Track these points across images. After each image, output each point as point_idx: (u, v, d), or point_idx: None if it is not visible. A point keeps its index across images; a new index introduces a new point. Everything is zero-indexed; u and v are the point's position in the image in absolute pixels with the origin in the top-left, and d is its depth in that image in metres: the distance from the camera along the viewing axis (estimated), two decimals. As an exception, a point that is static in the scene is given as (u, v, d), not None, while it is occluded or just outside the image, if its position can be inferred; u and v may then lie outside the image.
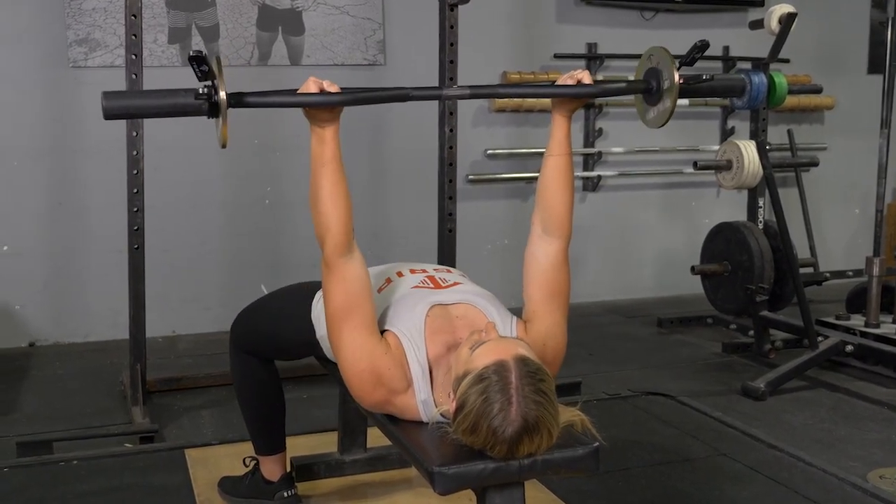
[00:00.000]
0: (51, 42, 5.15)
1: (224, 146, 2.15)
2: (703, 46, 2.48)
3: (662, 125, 2.55)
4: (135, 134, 3.96)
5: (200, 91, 2.07)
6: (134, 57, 3.90)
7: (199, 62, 2.04)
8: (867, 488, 3.23)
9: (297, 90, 2.21)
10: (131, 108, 2.23)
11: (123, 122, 4.00)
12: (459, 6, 4.23)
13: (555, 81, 2.51)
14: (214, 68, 2.08)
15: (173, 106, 2.11)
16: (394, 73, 5.72)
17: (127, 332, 4.24)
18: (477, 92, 2.47)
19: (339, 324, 2.23)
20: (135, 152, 3.96)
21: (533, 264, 2.43)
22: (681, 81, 2.45)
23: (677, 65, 2.46)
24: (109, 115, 2.13)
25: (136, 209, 3.99)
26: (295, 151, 5.55)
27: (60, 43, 5.15)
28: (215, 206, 5.53)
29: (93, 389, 4.50)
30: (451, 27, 4.22)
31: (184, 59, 5.31)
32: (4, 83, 5.12)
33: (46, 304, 5.33)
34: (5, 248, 5.20)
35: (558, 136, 2.44)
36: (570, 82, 2.43)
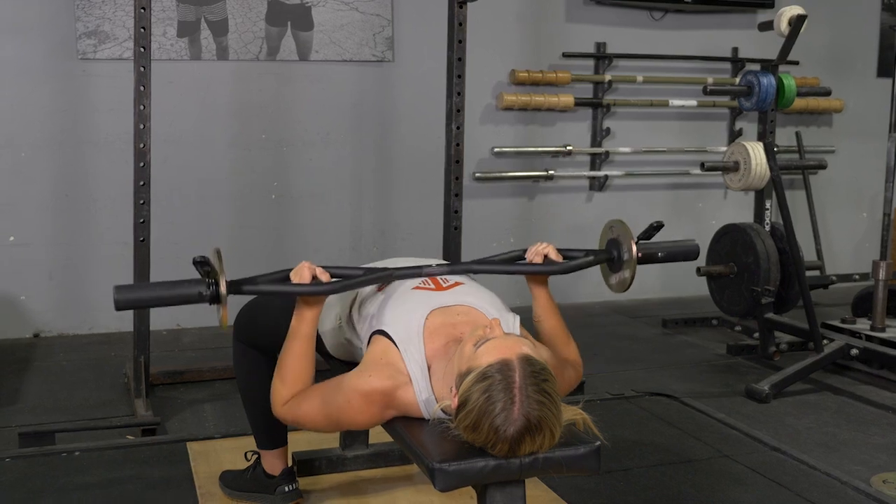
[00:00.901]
0: (60, 34, 5.16)
1: (224, 328, 2.44)
2: (658, 226, 2.70)
3: (624, 291, 2.71)
4: (142, 126, 3.96)
5: (204, 291, 2.30)
6: (142, 50, 3.90)
7: (202, 265, 2.29)
8: (870, 492, 3.22)
9: (290, 272, 2.40)
10: (140, 300, 2.47)
11: (131, 115, 4.01)
12: (468, 3, 4.22)
13: (525, 251, 2.64)
14: (216, 265, 2.30)
15: (179, 297, 2.34)
16: (402, 69, 5.73)
17: (131, 324, 4.25)
18: (454, 269, 2.57)
19: (330, 419, 2.34)
20: (142, 145, 3.97)
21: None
22: (639, 255, 2.61)
23: (635, 238, 2.63)
24: (120, 307, 2.32)
25: (142, 201, 3.99)
26: (301, 146, 5.55)
27: (69, 35, 5.16)
28: (222, 200, 5.54)
29: (96, 381, 4.51)
30: (460, 24, 4.21)
31: (193, 52, 5.32)
32: (13, 74, 5.13)
33: (51, 295, 5.33)
34: (11, 238, 5.21)
35: (542, 302, 2.57)
36: (537, 259, 2.57)
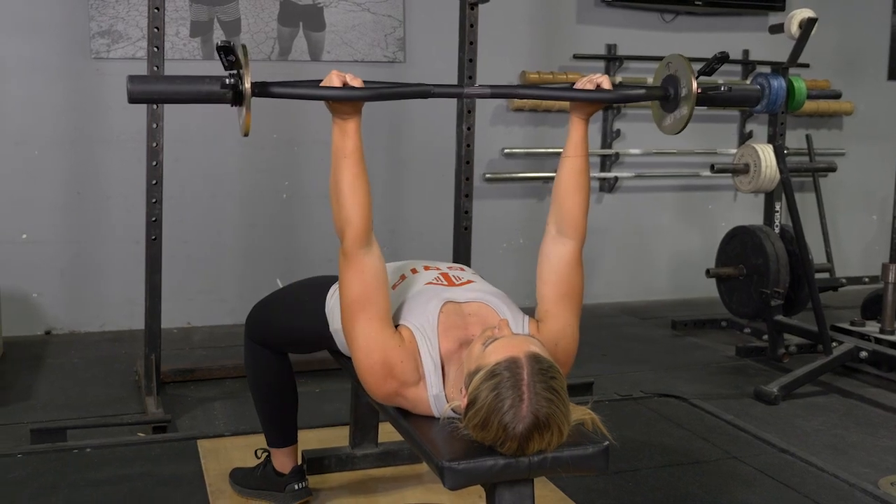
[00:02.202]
0: (74, 33, 5.19)
1: (246, 134, 2.16)
2: (722, 58, 2.49)
3: (678, 132, 2.56)
4: (155, 125, 3.98)
5: (227, 80, 2.09)
6: (156, 49, 3.92)
7: (226, 52, 2.06)
8: (878, 495, 3.22)
9: (320, 81, 2.22)
10: (156, 93, 2.24)
11: (144, 113, 4.03)
12: (480, 5, 4.24)
13: (574, 84, 2.52)
14: (241, 58, 2.09)
15: (198, 92, 2.13)
16: (413, 70, 5.74)
17: (142, 322, 4.27)
18: (497, 91, 2.49)
19: (354, 315, 2.24)
20: (154, 144, 3.98)
21: (546, 264, 2.44)
22: (698, 90, 2.46)
23: (696, 73, 2.47)
24: (134, 98, 2.13)
25: (154, 200, 4.01)
26: (313, 146, 5.57)
27: (83, 34, 5.19)
28: (233, 199, 5.56)
29: (107, 378, 4.53)
30: (472, 26, 4.23)
31: (205, 52, 5.34)
32: (27, 73, 5.16)
33: (63, 292, 5.36)
34: (24, 236, 5.24)
35: (575, 138, 2.46)
36: (589, 86, 2.44)
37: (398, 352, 2.22)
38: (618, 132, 6.23)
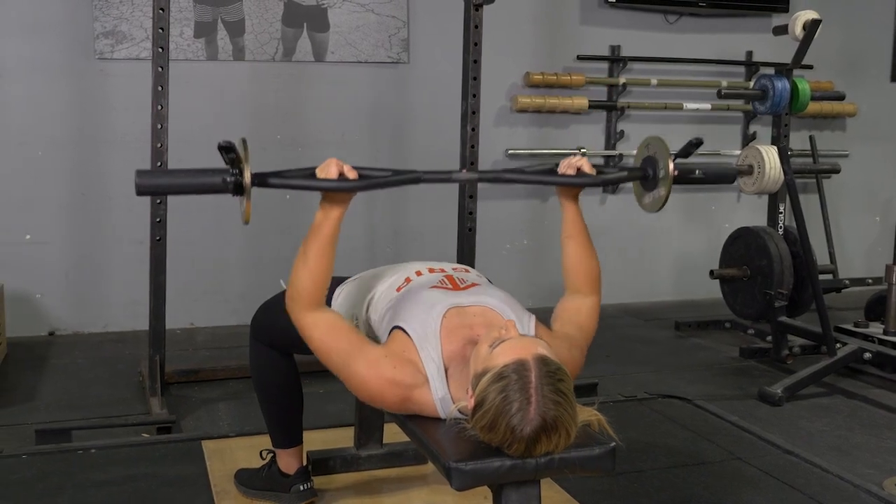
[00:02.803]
0: (78, 34, 5.20)
1: (247, 223, 2.29)
2: (697, 143, 2.61)
3: (657, 211, 2.67)
4: (159, 126, 3.99)
5: (228, 178, 2.21)
6: (161, 50, 3.92)
7: (227, 151, 2.17)
8: (883, 496, 3.22)
9: (316, 168, 2.33)
10: (162, 186, 2.43)
11: (148, 114, 4.04)
12: (484, 6, 4.24)
13: (557, 164, 2.61)
14: (241, 154, 2.19)
15: (201, 185, 2.26)
16: (417, 71, 5.75)
17: (146, 322, 4.27)
18: (484, 176, 2.60)
19: (330, 359, 2.31)
20: (159, 144, 3.99)
21: (563, 311, 2.53)
22: (675, 172, 2.56)
23: (672, 156, 2.57)
24: (141, 192, 2.26)
25: (158, 201, 4.02)
26: (317, 147, 5.57)
27: (87, 34, 5.19)
28: (237, 200, 5.54)
29: (111, 379, 4.54)
30: (476, 27, 4.23)
31: (209, 53, 5.35)
32: (31, 73, 5.17)
33: (67, 293, 5.37)
34: (28, 237, 5.25)
35: (570, 217, 2.57)
36: (570, 171, 2.54)
37: (387, 361, 2.25)
38: (621, 133, 6.23)
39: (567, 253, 2.56)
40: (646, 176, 2.63)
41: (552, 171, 2.62)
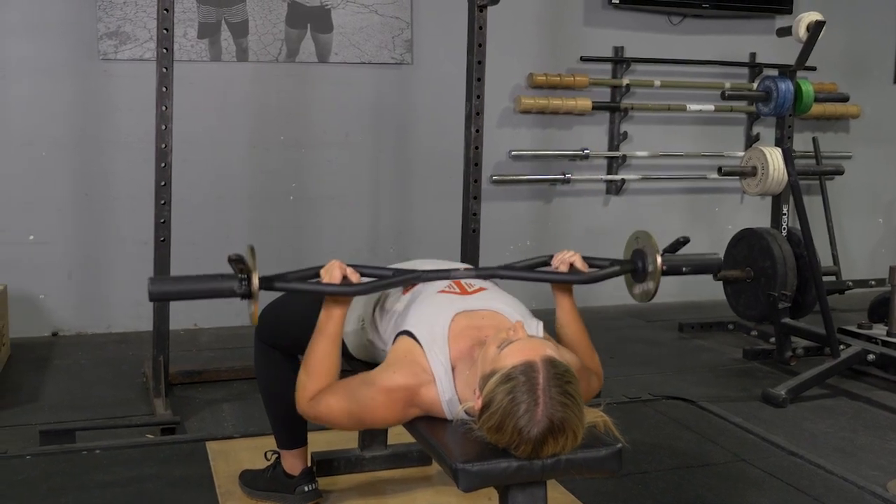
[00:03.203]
0: (81, 34, 5.20)
1: (254, 323, 2.40)
2: (684, 242, 2.83)
3: (647, 302, 2.73)
4: (164, 127, 3.98)
5: (239, 286, 2.29)
6: (165, 51, 3.92)
7: (237, 262, 2.30)
8: (887, 497, 3.22)
9: (320, 269, 2.43)
10: (174, 293, 2.47)
11: (152, 115, 4.04)
12: (488, 7, 4.23)
13: (551, 257, 2.67)
14: (249, 262, 2.29)
15: (212, 291, 2.34)
16: (421, 72, 5.75)
17: (149, 323, 4.27)
18: (481, 273, 2.62)
19: (356, 419, 2.36)
20: (163, 145, 3.99)
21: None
22: (663, 267, 2.63)
23: (660, 251, 2.65)
24: (154, 298, 2.36)
25: (163, 202, 4.01)
26: (320, 148, 5.57)
27: (91, 35, 5.20)
28: (240, 200, 5.56)
29: (114, 380, 4.54)
30: (480, 28, 4.23)
31: (213, 54, 5.35)
32: (35, 73, 5.17)
33: (70, 294, 5.37)
34: (31, 237, 5.25)
35: (565, 310, 2.60)
36: (563, 268, 2.59)
37: (387, 375, 2.29)
38: (625, 134, 6.23)
39: (564, 343, 2.56)
40: (636, 269, 2.71)
41: (545, 264, 2.70)
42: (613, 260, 2.75)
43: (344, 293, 2.38)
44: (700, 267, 2.84)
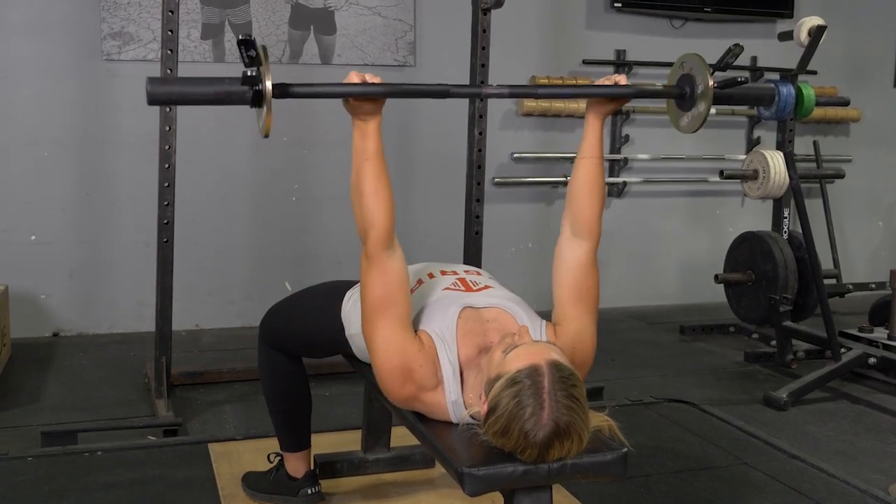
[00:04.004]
0: (85, 34, 5.20)
1: (267, 135, 2.15)
2: (736, 51, 2.52)
3: (696, 130, 2.56)
4: (168, 128, 3.98)
5: (248, 72, 2.06)
6: (170, 52, 3.92)
7: (247, 46, 2.04)
8: (889, 501, 3.23)
9: (339, 84, 2.22)
10: (175, 94, 2.25)
11: (154, 115, 4.02)
12: (492, 10, 4.24)
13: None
14: (261, 55, 2.08)
15: (217, 93, 2.11)
16: (423, 74, 5.75)
17: (151, 324, 4.28)
18: (515, 91, 2.50)
19: (374, 317, 2.24)
20: (167, 146, 3.99)
21: (561, 266, 2.45)
22: (714, 86, 2.46)
23: (711, 70, 2.48)
24: (153, 100, 2.12)
25: (166, 203, 4.01)
26: (323, 148, 5.57)
27: (94, 35, 5.20)
28: (243, 201, 5.57)
29: (116, 381, 4.53)
30: (484, 31, 4.23)
31: (216, 55, 5.36)
32: (37, 73, 5.17)
33: (72, 294, 5.37)
34: (33, 237, 5.25)
35: (591, 138, 2.48)
36: (607, 83, 2.47)
37: (418, 356, 2.22)
38: (627, 137, 6.23)
39: (577, 175, 2.48)
40: (682, 94, 2.54)
41: (588, 84, 2.54)
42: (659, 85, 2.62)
43: (369, 93, 2.18)
44: (753, 95, 2.68)
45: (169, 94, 2.25)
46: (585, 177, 2.46)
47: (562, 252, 2.47)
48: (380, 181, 2.23)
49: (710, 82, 2.45)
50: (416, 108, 5.75)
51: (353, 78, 2.21)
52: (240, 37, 2.04)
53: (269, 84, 2.08)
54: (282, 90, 2.15)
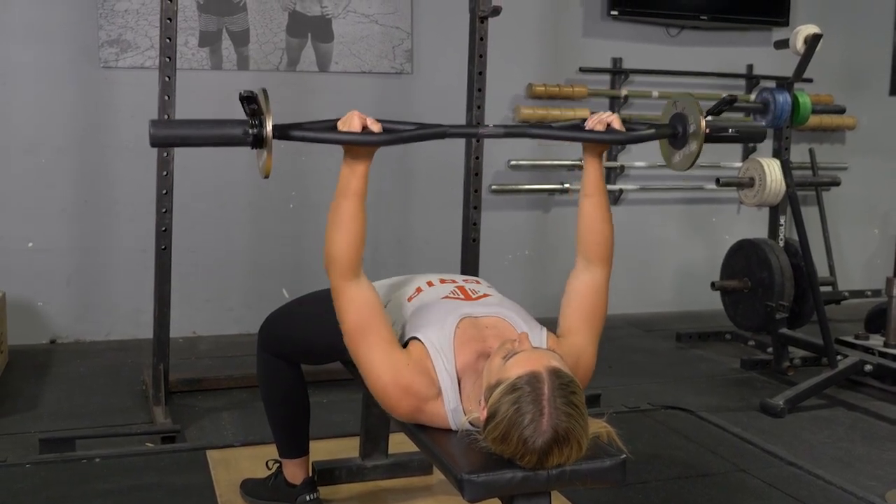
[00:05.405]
0: (82, 41, 5.21)
1: (267, 176, 2.22)
2: (731, 101, 2.58)
3: (688, 168, 2.62)
4: (166, 136, 3.98)
5: (250, 129, 2.12)
6: (168, 59, 3.93)
7: (248, 101, 2.10)
8: (886, 509, 3.24)
9: (338, 120, 2.28)
10: (177, 137, 2.30)
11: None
12: (489, 18, 4.25)
13: (585, 120, 2.54)
14: (262, 104, 2.12)
15: (220, 137, 2.17)
16: (421, 82, 5.77)
17: (148, 331, 4.28)
18: (511, 131, 2.54)
19: (355, 343, 2.28)
20: (165, 154, 3.99)
21: (573, 291, 2.50)
22: (707, 129, 2.52)
23: (703, 112, 2.53)
24: (156, 143, 2.18)
25: (164, 210, 4.02)
26: (320, 155, 5.58)
27: (92, 43, 5.21)
28: (241, 208, 5.57)
29: (114, 388, 4.53)
30: (482, 39, 4.25)
31: (214, 62, 5.36)
32: (35, 80, 5.18)
33: (69, 301, 5.37)
34: (30, 244, 5.25)
35: (591, 176, 2.52)
36: (599, 126, 2.48)
37: (408, 370, 2.24)
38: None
39: (583, 213, 2.51)
40: (675, 133, 2.58)
41: (579, 126, 2.55)
42: (651, 123, 2.62)
43: (366, 142, 2.23)
44: (746, 131, 2.69)
45: (171, 136, 2.30)
46: (592, 214, 2.52)
47: (574, 280, 2.53)
48: (353, 220, 2.30)
49: (703, 123, 2.51)
50: (413, 116, 5.75)
51: (355, 119, 2.26)
52: (241, 93, 2.10)
53: (269, 128, 2.13)
54: (281, 132, 2.21)
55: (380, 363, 2.24)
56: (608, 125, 2.48)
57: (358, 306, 2.28)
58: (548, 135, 2.56)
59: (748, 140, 2.77)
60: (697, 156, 2.54)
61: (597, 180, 2.50)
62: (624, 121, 2.51)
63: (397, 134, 2.33)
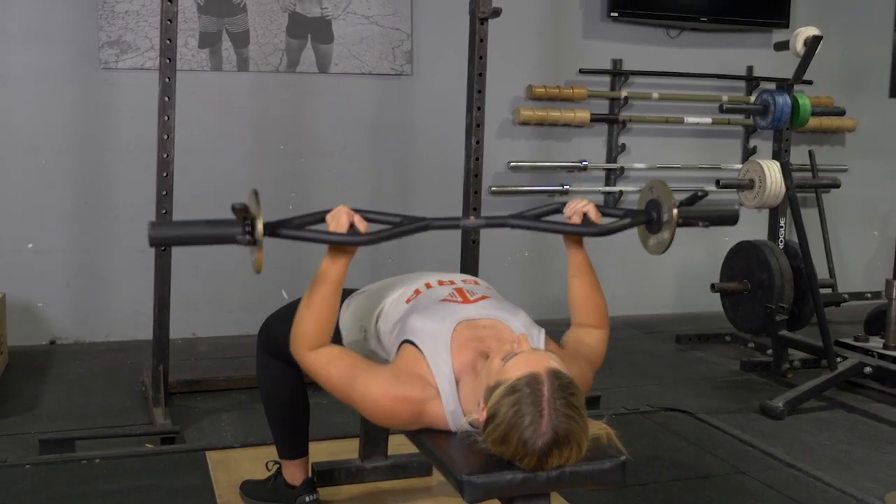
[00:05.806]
0: (82, 42, 5.21)
1: (259, 272, 2.31)
2: (701, 197, 2.66)
3: (662, 253, 2.68)
4: (166, 137, 3.99)
5: (243, 235, 2.26)
6: (168, 61, 3.93)
7: (241, 212, 2.24)
8: (885, 510, 3.25)
9: (326, 213, 2.38)
10: (174, 237, 2.47)
11: (154, 124, 4.04)
12: (489, 20, 4.25)
13: (563, 205, 2.62)
14: (253, 210, 2.24)
15: (215, 237, 2.30)
16: (420, 83, 5.77)
17: (148, 332, 4.28)
18: (491, 222, 2.61)
19: (350, 391, 2.29)
20: (165, 155, 3.99)
21: (571, 341, 2.54)
22: (679, 219, 2.58)
23: (676, 201, 2.59)
24: (154, 243, 2.31)
25: (164, 211, 4.02)
26: (320, 157, 5.58)
27: (92, 44, 5.21)
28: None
29: (113, 389, 4.53)
30: (482, 41, 4.24)
31: (214, 63, 5.37)
32: (35, 81, 5.18)
33: (69, 302, 5.37)
34: (30, 245, 5.25)
35: (576, 261, 2.59)
36: (575, 218, 2.55)
37: (397, 379, 2.26)
38: (623, 146, 6.25)
39: (573, 291, 2.58)
40: (650, 220, 2.65)
41: (558, 211, 2.65)
42: (627, 210, 2.66)
43: (351, 243, 2.32)
44: (717, 219, 2.75)
45: (169, 237, 2.50)
46: (581, 291, 2.58)
47: (574, 333, 2.58)
48: (326, 305, 2.36)
49: (675, 213, 2.57)
50: (413, 117, 5.77)
51: (343, 217, 2.34)
52: (233, 206, 2.23)
53: (260, 229, 2.25)
54: (271, 230, 2.34)
55: (374, 389, 2.25)
56: (584, 215, 2.55)
57: (324, 359, 2.34)
58: (528, 226, 2.63)
59: (719, 224, 2.82)
60: (669, 243, 2.61)
61: (581, 264, 2.58)
62: (599, 206, 2.60)
63: (382, 233, 2.41)
